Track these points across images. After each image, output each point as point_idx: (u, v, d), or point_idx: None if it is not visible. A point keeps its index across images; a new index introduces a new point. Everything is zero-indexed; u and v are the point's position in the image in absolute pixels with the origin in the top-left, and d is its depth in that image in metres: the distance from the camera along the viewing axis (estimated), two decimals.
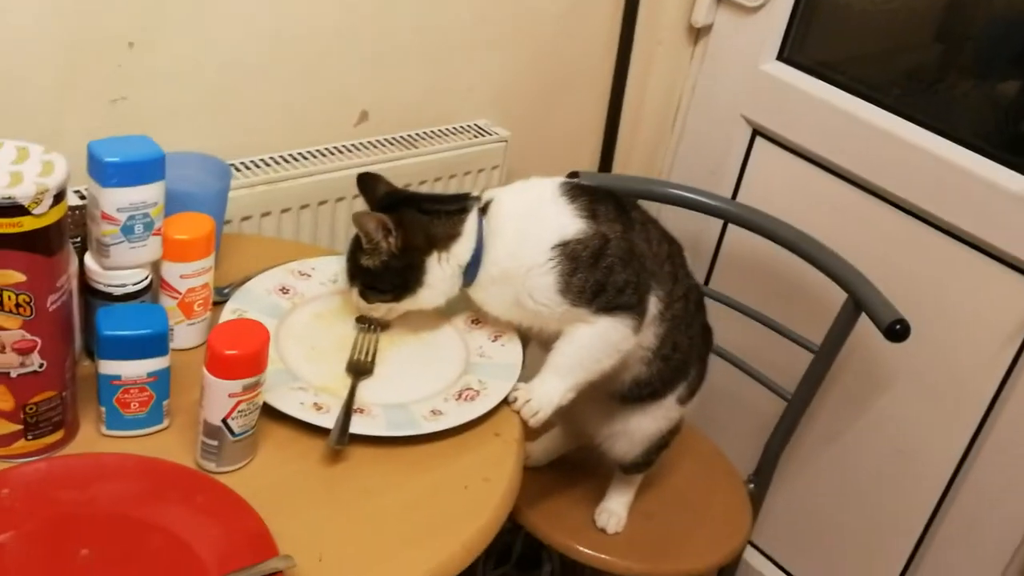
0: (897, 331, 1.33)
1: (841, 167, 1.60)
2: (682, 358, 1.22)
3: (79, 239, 1.01)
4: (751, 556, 1.90)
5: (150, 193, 0.95)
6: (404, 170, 1.46)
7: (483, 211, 1.11)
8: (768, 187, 1.73)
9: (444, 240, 1.08)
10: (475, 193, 1.14)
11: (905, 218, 1.55)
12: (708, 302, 1.33)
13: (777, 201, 1.64)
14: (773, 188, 1.72)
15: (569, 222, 1.08)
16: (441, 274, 1.09)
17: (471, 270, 1.09)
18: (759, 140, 1.73)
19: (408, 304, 1.10)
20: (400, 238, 1.06)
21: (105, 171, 0.91)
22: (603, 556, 1.37)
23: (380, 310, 1.11)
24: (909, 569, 1.68)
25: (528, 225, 1.09)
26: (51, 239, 0.81)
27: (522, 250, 1.07)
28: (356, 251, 1.09)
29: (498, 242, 1.09)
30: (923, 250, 1.53)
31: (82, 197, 1.01)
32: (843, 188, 1.62)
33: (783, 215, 1.50)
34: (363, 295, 1.10)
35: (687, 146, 1.85)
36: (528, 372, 1.11)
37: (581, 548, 1.37)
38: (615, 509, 1.40)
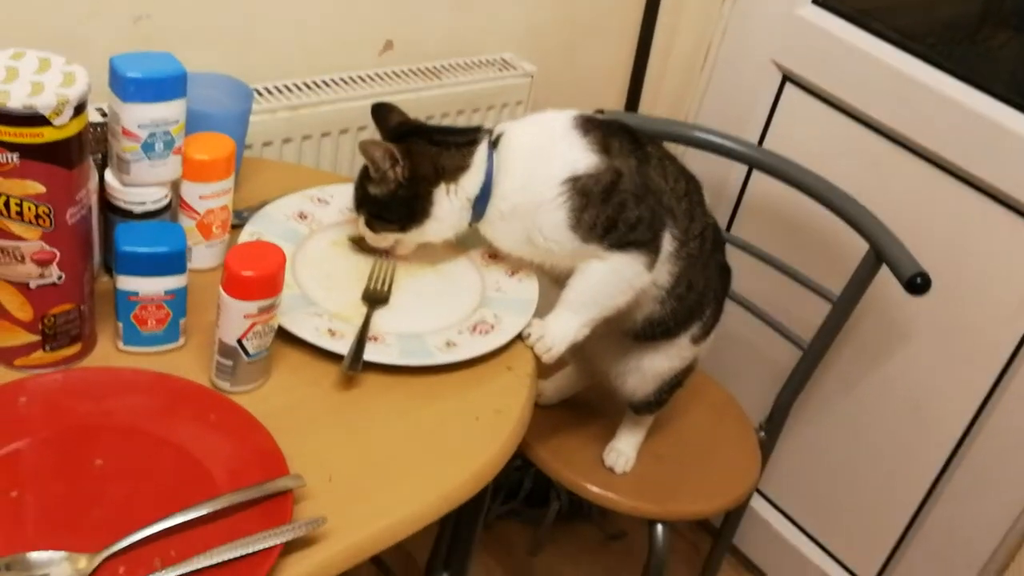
0: (918, 284, 1.31)
1: (871, 117, 1.58)
2: (697, 298, 1.21)
3: (100, 156, 1.01)
4: (758, 504, 1.91)
5: (171, 110, 0.94)
6: (427, 102, 1.45)
7: (494, 144, 1.09)
8: (796, 134, 1.71)
9: (452, 172, 1.07)
10: (487, 126, 1.12)
11: (933, 170, 1.52)
12: (728, 248, 1.32)
13: (804, 149, 1.61)
14: (801, 136, 1.70)
15: (581, 156, 1.06)
16: (449, 207, 1.08)
17: (480, 204, 1.08)
18: (789, 86, 1.70)
19: (415, 236, 1.09)
20: (407, 168, 1.05)
21: (127, 86, 0.91)
22: (610, 495, 1.38)
23: (387, 240, 1.10)
24: (915, 523, 1.68)
25: (538, 159, 1.07)
26: (72, 151, 0.81)
27: (532, 185, 1.06)
28: (364, 179, 1.08)
29: (508, 176, 1.07)
30: (950, 203, 1.51)
31: (104, 115, 1.01)
32: (872, 138, 1.59)
33: (809, 163, 1.48)
34: (369, 224, 1.09)
35: (715, 89, 1.82)
36: (542, 308, 1.11)
37: (589, 486, 1.38)
38: (624, 449, 1.41)
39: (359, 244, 1.13)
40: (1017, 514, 1.52)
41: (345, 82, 1.40)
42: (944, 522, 1.63)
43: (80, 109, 0.80)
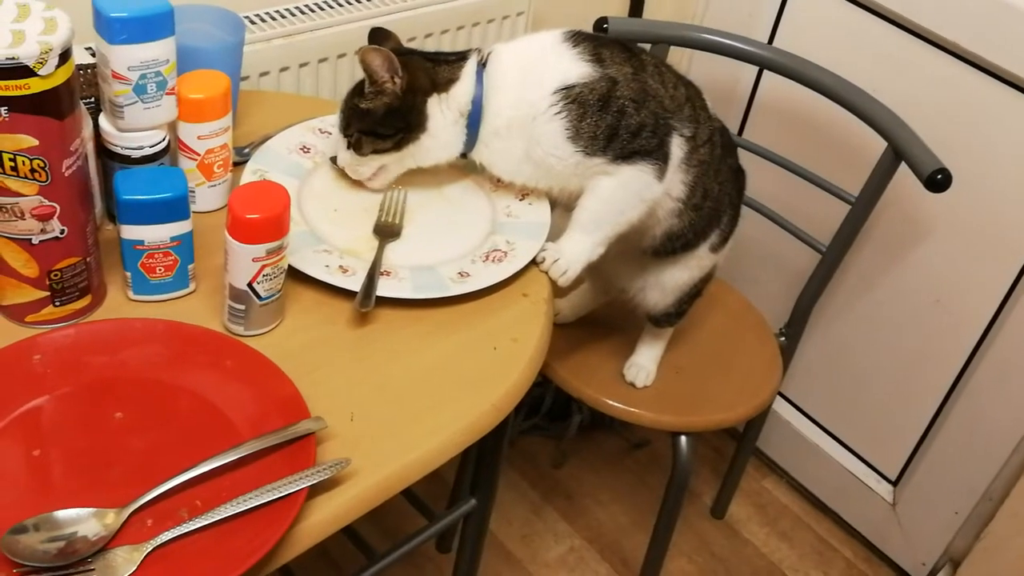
0: (938, 180, 1.28)
1: (886, 8, 1.52)
2: (713, 205, 1.19)
3: (92, 100, 0.98)
4: (780, 406, 1.92)
5: (160, 50, 0.91)
6: (426, 18, 1.40)
7: (484, 65, 1.07)
8: (807, 31, 1.65)
9: (444, 83, 1.05)
10: (482, 46, 1.10)
11: (951, 61, 1.47)
12: (741, 153, 1.28)
13: (815, 46, 1.56)
14: (812, 32, 1.64)
15: (571, 66, 1.04)
16: (442, 120, 1.05)
17: (473, 125, 1.06)
18: None
19: (406, 158, 1.07)
20: (405, 79, 1.03)
21: (112, 27, 0.88)
22: (632, 410, 1.38)
23: (370, 166, 1.07)
24: (938, 419, 1.68)
25: (529, 72, 1.05)
26: (61, 101, 0.78)
27: (524, 97, 1.04)
28: (354, 96, 1.05)
29: (500, 91, 1.05)
30: (969, 95, 1.46)
31: (94, 55, 0.97)
32: (886, 30, 1.53)
33: (822, 60, 1.43)
34: (357, 145, 1.05)
35: None
36: (552, 233, 1.09)
37: (611, 402, 1.38)
38: (644, 363, 1.41)
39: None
40: None
41: (340, 4, 1.36)
42: (967, 416, 1.63)
43: (65, 57, 0.77)
